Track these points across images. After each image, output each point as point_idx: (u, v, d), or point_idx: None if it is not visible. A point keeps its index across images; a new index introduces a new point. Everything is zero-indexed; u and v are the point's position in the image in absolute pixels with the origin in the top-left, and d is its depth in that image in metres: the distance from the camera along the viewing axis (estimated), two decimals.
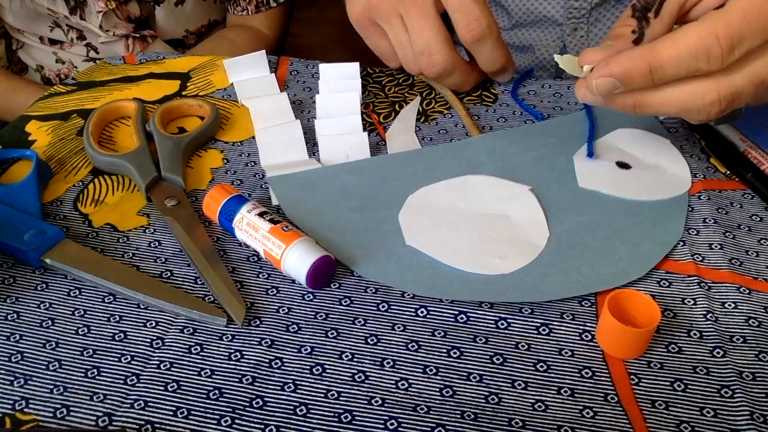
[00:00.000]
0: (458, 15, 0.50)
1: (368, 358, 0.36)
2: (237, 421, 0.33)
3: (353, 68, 0.57)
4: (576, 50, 0.71)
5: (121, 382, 0.35)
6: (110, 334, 0.38)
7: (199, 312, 0.38)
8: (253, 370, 0.36)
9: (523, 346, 0.37)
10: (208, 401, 0.34)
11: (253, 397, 0.34)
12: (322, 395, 0.34)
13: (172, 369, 0.36)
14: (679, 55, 0.36)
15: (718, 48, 0.35)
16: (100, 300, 0.40)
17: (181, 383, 0.35)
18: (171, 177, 0.48)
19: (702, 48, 0.36)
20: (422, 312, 0.39)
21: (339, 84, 0.56)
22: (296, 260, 0.39)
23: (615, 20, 0.69)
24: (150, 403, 0.34)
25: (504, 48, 0.53)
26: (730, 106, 0.38)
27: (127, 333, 0.38)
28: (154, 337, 0.38)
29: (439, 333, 0.37)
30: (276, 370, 0.36)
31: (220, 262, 0.41)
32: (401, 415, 0.33)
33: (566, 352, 0.36)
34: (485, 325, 0.38)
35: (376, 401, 0.34)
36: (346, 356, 0.36)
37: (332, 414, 0.34)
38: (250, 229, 0.41)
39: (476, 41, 0.51)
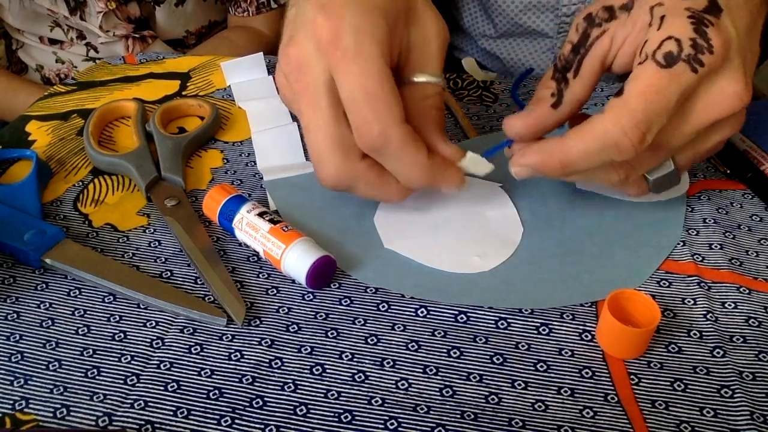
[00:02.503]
0: (349, 114, 0.37)
1: (368, 358, 0.36)
2: (237, 421, 0.33)
3: None
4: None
5: (121, 382, 0.35)
6: (110, 334, 0.38)
7: (199, 312, 0.38)
8: (253, 370, 0.36)
9: (523, 346, 0.37)
10: (208, 401, 0.34)
11: (253, 397, 0.34)
12: (322, 395, 0.34)
13: (172, 369, 0.36)
14: (589, 151, 0.36)
15: (628, 140, 0.35)
16: (100, 300, 0.40)
17: (181, 383, 0.35)
18: (171, 177, 0.48)
19: (610, 142, 0.35)
20: (422, 312, 0.39)
21: None
22: (296, 260, 0.39)
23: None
24: (150, 403, 0.34)
25: (418, 162, 0.38)
26: (632, 173, 0.39)
27: (127, 333, 0.38)
28: (154, 337, 0.38)
29: (439, 333, 0.37)
30: (276, 370, 0.36)
31: (220, 262, 0.41)
32: (401, 415, 0.33)
33: (566, 352, 0.36)
34: (485, 325, 0.38)
35: (376, 401, 0.34)
36: (346, 356, 0.36)
37: (332, 414, 0.34)
38: (250, 229, 0.41)
39: (369, 151, 0.38)
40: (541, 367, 0.36)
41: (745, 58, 0.36)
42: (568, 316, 0.38)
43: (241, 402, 0.34)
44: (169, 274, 0.41)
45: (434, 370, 0.36)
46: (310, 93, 0.38)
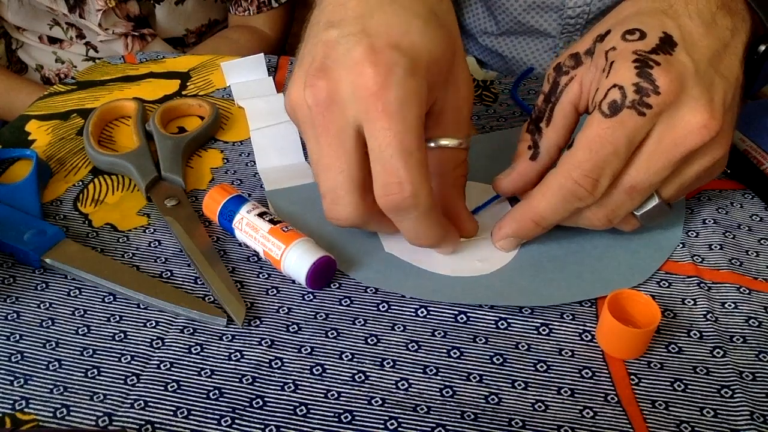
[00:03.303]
0: (377, 167, 0.35)
1: (368, 358, 0.36)
2: (237, 421, 0.33)
3: None
4: None
5: (121, 382, 0.35)
6: (110, 334, 0.38)
7: (199, 312, 0.38)
8: (253, 370, 0.36)
9: (523, 346, 0.37)
10: (208, 401, 0.34)
11: (253, 397, 0.34)
12: (322, 395, 0.34)
13: (172, 369, 0.36)
14: (552, 205, 0.38)
15: (582, 189, 0.36)
16: (100, 300, 0.40)
17: (181, 383, 0.35)
18: (171, 177, 0.48)
19: (567, 193, 0.37)
20: (422, 312, 0.39)
21: None
22: (296, 261, 0.39)
23: None
24: (150, 403, 0.34)
25: (436, 225, 0.38)
26: (614, 218, 0.39)
27: (127, 333, 0.38)
28: (154, 337, 0.38)
29: (439, 333, 0.37)
30: (276, 370, 0.36)
31: (220, 261, 0.41)
32: (401, 415, 0.33)
33: (566, 352, 0.36)
34: (485, 325, 0.38)
35: (376, 401, 0.34)
36: (346, 356, 0.36)
37: (332, 414, 0.34)
38: (250, 229, 0.41)
39: (392, 210, 0.36)
40: (541, 367, 0.36)
41: (710, 86, 0.36)
42: (568, 316, 0.38)
43: (241, 402, 0.34)
44: (169, 274, 0.41)
45: (434, 370, 0.36)
46: (335, 133, 0.36)
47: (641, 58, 0.36)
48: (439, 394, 0.34)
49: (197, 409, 0.34)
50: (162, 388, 0.35)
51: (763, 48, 0.40)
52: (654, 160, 0.36)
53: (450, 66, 0.38)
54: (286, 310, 0.39)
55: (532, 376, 0.35)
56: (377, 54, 0.34)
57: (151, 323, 0.38)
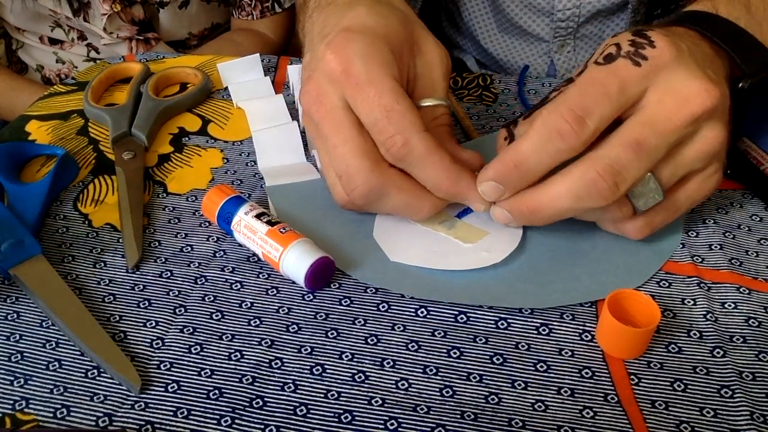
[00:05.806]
0: (372, 132, 0.39)
1: (368, 358, 0.36)
2: (237, 421, 0.33)
3: None
4: (565, 68, 0.70)
5: None
6: (110, 334, 0.38)
7: (115, 371, 0.35)
8: (253, 370, 0.36)
9: (523, 346, 0.37)
10: (208, 401, 0.34)
11: (253, 397, 0.34)
12: (322, 395, 0.34)
13: (172, 369, 0.36)
14: (534, 144, 0.36)
15: (566, 125, 0.35)
16: (100, 300, 0.40)
17: (181, 383, 0.35)
18: (137, 133, 0.52)
19: (551, 130, 0.35)
20: (422, 312, 0.39)
21: None
22: (294, 263, 0.39)
23: (603, 35, 0.69)
24: (150, 404, 0.34)
25: (443, 169, 0.39)
26: (621, 181, 0.35)
27: (127, 333, 0.38)
28: (154, 337, 0.38)
29: (439, 333, 0.37)
30: (276, 370, 0.36)
31: (140, 216, 0.44)
32: (401, 415, 0.33)
33: (566, 352, 0.36)
34: (485, 325, 0.38)
35: (376, 401, 0.34)
36: (346, 356, 0.36)
37: (332, 414, 0.34)
38: (248, 231, 0.41)
39: (398, 162, 0.39)
40: (541, 367, 0.36)
41: (705, 68, 0.36)
42: (568, 316, 0.38)
43: (241, 402, 0.34)
44: (168, 274, 0.41)
45: (434, 370, 0.36)
46: (331, 116, 0.39)
47: (638, 30, 0.37)
48: (439, 394, 0.34)
49: (197, 409, 0.34)
50: (162, 388, 0.35)
51: (741, 84, 0.40)
52: (658, 121, 0.35)
53: (410, 37, 0.42)
54: (286, 310, 0.39)
55: (532, 376, 0.35)
56: (332, 43, 0.39)
57: (151, 323, 0.38)
